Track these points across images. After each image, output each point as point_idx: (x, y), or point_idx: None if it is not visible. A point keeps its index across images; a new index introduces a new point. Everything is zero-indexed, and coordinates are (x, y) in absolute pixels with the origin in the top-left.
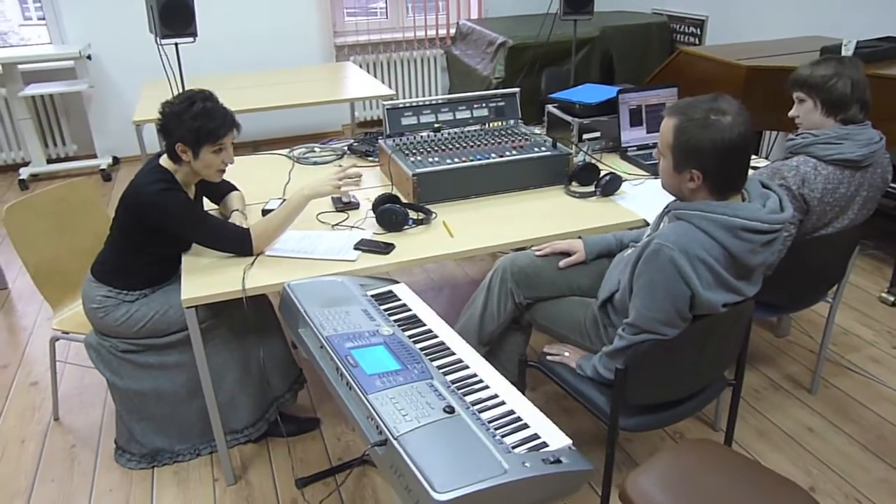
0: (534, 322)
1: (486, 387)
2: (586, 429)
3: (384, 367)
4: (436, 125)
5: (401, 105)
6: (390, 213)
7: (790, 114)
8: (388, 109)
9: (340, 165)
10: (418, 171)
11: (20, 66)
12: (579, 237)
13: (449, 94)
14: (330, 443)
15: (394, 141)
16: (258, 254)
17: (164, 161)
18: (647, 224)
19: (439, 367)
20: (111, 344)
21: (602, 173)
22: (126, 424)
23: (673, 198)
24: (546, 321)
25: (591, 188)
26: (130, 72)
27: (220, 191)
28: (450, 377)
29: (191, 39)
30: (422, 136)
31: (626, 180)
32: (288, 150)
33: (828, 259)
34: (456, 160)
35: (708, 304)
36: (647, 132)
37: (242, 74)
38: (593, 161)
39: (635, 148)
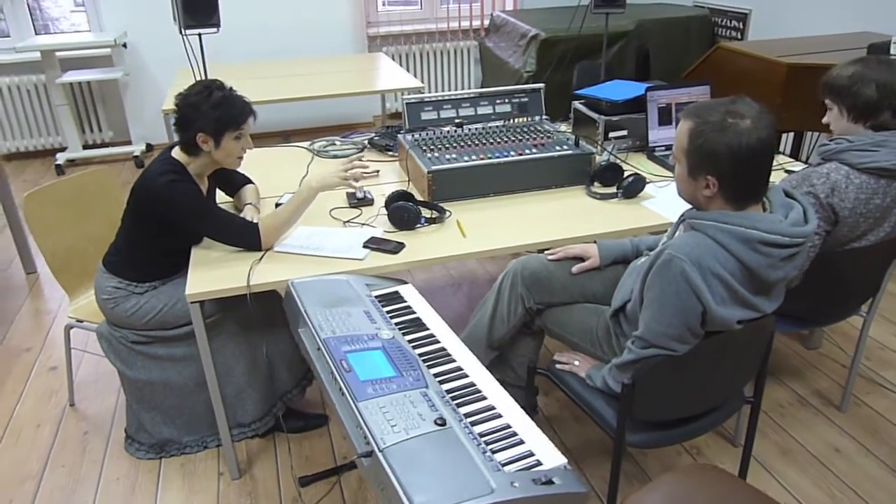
0: (545, 328)
1: (484, 398)
2: (598, 438)
3: (379, 373)
4: (456, 120)
5: (421, 99)
6: (402, 211)
7: (823, 120)
8: (408, 104)
9: (361, 158)
10: (434, 168)
11: (58, 53)
12: (594, 241)
13: (481, 86)
14: (337, 440)
15: (413, 136)
16: (267, 249)
17: (177, 153)
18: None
19: (437, 375)
20: (122, 334)
21: (625, 174)
22: (136, 414)
23: (690, 205)
24: (557, 328)
25: (614, 189)
26: (165, 60)
27: (235, 183)
28: (446, 386)
29: (214, 30)
30: (442, 132)
31: (650, 182)
32: (308, 142)
33: (861, 272)
34: (474, 158)
35: (721, 321)
36: None
37: (272, 63)
38: (617, 161)
39: (663, 148)
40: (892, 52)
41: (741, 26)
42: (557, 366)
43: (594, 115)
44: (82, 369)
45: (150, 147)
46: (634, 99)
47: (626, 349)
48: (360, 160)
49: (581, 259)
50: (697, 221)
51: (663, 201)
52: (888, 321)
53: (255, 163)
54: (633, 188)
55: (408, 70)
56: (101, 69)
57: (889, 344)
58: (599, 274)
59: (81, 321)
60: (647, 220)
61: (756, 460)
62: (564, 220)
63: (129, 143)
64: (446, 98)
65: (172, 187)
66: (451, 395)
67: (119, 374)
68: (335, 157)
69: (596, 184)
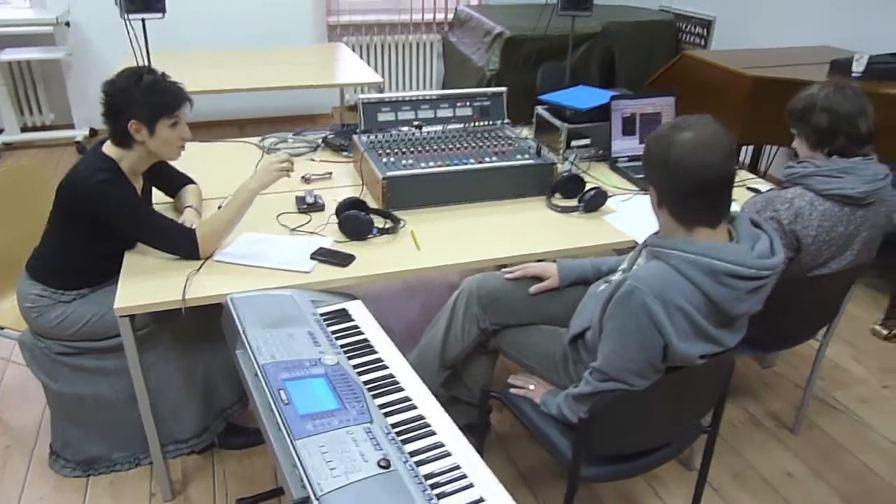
0: (500, 349)
1: (432, 433)
2: (553, 460)
3: (320, 405)
4: (415, 123)
5: (378, 99)
6: (353, 221)
7: (792, 145)
8: (364, 103)
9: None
10: (389, 174)
11: None
12: (554, 260)
13: (443, 82)
14: None
15: (368, 138)
16: (206, 258)
17: (108, 148)
18: (636, 245)
19: (383, 406)
20: (46, 345)
21: (587, 187)
22: (62, 429)
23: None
24: (513, 350)
25: (575, 202)
26: (111, 41)
27: (175, 183)
28: (393, 419)
29: (159, 15)
30: (399, 134)
31: (612, 195)
32: (259, 138)
33: (822, 299)
34: (431, 164)
35: (683, 357)
36: (640, 142)
37: (227, 52)
38: (579, 172)
39: (626, 159)
40: (854, 69)
41: (705, 33)
42: (512, 390)
43: (557, 123)
44: (7, 375)
45: (94, 132)
46: (598, 107)
47: (584, 380)
48: (288, 156)
49: (539, 279)
50: (660, 250)
51: (625, 216)
52: (843, 341)
53: (198, 160)
54: (594, 202)
55: (368, 62)
56: (41, 47)
57: (842, 363)
58: (558, 295)
59: (3, 328)
60: (608, 237)
61: (709, 485)
62: (524, 234)
63: (71, 126)
64: (405, 99)
65: (103, 187)
66: (397, 429)
67: (44, 386)
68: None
69: (557, 195)
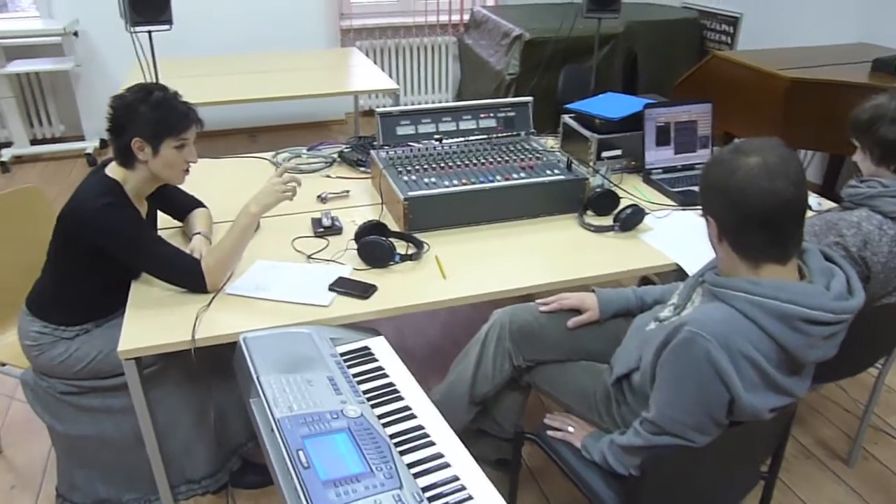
0: (534, 386)
1: (469, 497)
2: None
3: (343, 468)
4: (436, 136)
5: (397, 112)
6: (373, 247)
7: (852, 158)
8: (382, 116)
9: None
10: (411, 194)
11: (2, 41)
12: (592, 290)
13: (460, 86)
14: None
15: (387, 153)
16: (216, 290)
17: (112, 170)
18: (679, 269)
19: (413, 465)
20: (49, 384)
21: (622, 205)
22: (67, 471)
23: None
24: (549, 387)
25: (609, 220)
26: (120, 51)
27: (184, 206)
28: (423, 480)
29: (166, 27)
30: (419, 149)
31: (649, 212)
32: (272, 153)
33: (885, 329)
34: (455, 182)
35: (751, 410)
36: (676, 153)
37: (237, 58)
38: (612, 187)
39: (660, 170)
40: None
41: (731, 31)
42: (548, 431)
43: (586, 133)
44: (12, 410)
45: (104, 143)
46: (630, 116)
47: (634, 430)
48: (288, 171)
49: (577, 311)
50: (722, 290)
51: (663, 235)
52: None
53: (207, 178)
54: (631, 221)
55: (382, 66)
56: (50, 59)
57: None
58: (598, 329)
59: (4, 364)
60: (648, 259)
61: None
62: (557, 257)
63: (81, 138)
64: (425, 110)
65: (105, 214)
66: (429, 493)
67: (48, 427)
68: (300, 171)
69: (589, 212)
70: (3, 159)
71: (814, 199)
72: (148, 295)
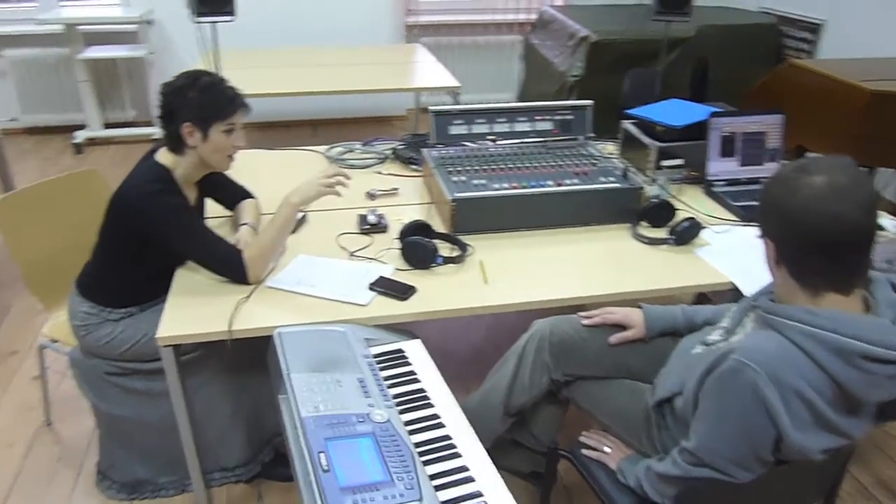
0: (573, 402)
1: None
2: None
3: (364, 475)
4: (489, 137)
5: (450, 111)
6: (416, 248)
7: None
8: (435, 115)
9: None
10: (459, 195)
11: (81, 28)
12: (639, 306)
13: (522, 87)
14: None
15: (439, 152)
16: (257, 282)
17: (162, 156)
18: (735, 288)
19: (435, 476)
20: (94, 364)
21: (678, 217)
22: (109, 450)
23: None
24: (588, 404)
25: (664, 232)
26: (191, 40)
27: (233, 196)
28: (445, 493)
29: (229, 18)
30: (472, 150)
31: (706, 227)
32: (326, 147)
33: None
34: (506, 185)
35: (800, 450)
36: (741, 165)
37: (301, 50)
38: (669, 198)
39: (724, 183)
40: None
41: (813, 38)
42: (584, 451)
43: (646, 140)
44: (64, 385)
45: None
46: (694, 124)
47: (672, 459)
48: (341, 171)
49: (621, 327)
50: (776, 318)
51: (721, 251)
52: None
53: (259, 169)
54: (687, 234)
55: (446, 64)
56: (125, 46)
57: None
58: (642, 347)
59: (56, 341)
60: (702, 276)
61: None
62: (605, 269)
63: (150, 123)
64: (479, 110)
65: (153, 199)
66: None
67: (92, 405)
68: (352, 166)
69: (643, 223)
70: (77, 141)
71: (889, 222)
72: (191, 283)
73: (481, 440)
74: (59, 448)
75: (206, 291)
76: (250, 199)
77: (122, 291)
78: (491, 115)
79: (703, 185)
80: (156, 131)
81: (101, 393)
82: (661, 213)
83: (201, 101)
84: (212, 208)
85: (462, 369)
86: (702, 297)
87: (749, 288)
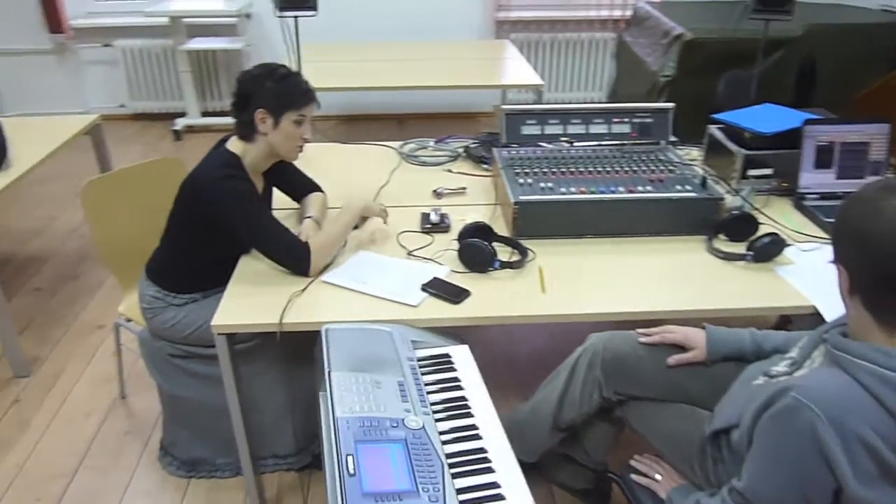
0: (626, 423)
1: None
2: None
3: (389, 482)
4: (563, 139)
5: (523, 110)
6: (473, 250)
7: None
8: (507, 114)
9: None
10: (522, 198)
11: (185, 20)
12: (703, 326)
13: (613, 86)
14: None
15: (509, 152)
16: (316, 275)
17: (232, 144)
18: (817, 313)
19: (463, 491)
20: (160, 346)
21: (761, 231)
22: (171, 427)
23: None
24: (641, 427)
25: (743, 247)
26: (285, 34)
27: (301, 188)
28: None
29: (311, 13)
30: (543, 151)
31: (791, 244)
32: (399, 143)
33: None
34: (573, 189)
35: None
36: (838, 177)
37: (389, 44)
38: (751, 210)
39: (816, 196)
40: None
41: None
42: (633, 476)
43: (732, 147)
44: (140, 362)
45: None
46: (787, 132)
47: (721, 497)
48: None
49: (681, 348)
50: (844, 356)
51: (805, 271)
52: None
53: (328, 162)
54: (767, 251)
55: (535, 60)
56: (225, 38)
57: None
58: (703, 371)
59: (130, 320)
60: (781, 298)
61: None
62: (672, 283)
63: None
64: (553, 110)
65: (222, 185)
66: None
67: (157, 385)
68: (423, 163)
69: (721, 236)
70: (177, 128)
71: None
72: (251, 273)
73: (528, 452)
74: (130, 422)
75: (264, 282)
76: (318, 193)
77: (187, 277)
78: (565, 115)
79: (793, 197)
80: None
81: (165, 373)
82: (741, 226)
83: (277, 89)
84: (279, 200)
85: (523, 375)
86: (784, 321)
87: (833, 314)
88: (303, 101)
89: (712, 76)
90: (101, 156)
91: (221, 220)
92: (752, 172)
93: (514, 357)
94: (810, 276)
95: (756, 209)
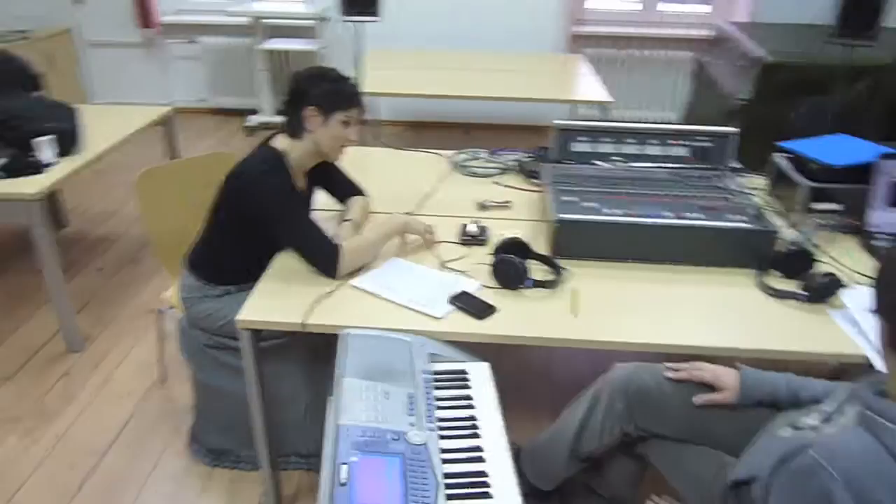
0: (647, 460)
1: None
2: None
3: (379, 497)
4: (614, 158)
5: (575, 126)
6: (505, 266)
7: None
8: (559, 129)
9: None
10: (563, 216)
11: (266, 21)
12: (736, 366)
13: (688, 108)
14: None
15: (557, 168)
16: (342, 279)
17: (277, 141)
18: (867, 362)
19: None
20: (196, 335)
21: (816, 270)
22: (200, 415)
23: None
24: (662, 466)
25: (796, 285)
26: (363, 38)
27: (345, 190)
28: None
29: (375, 19)
30: (592, 169)
31: (849, 286)
32: (452, 152)
33: None
34: (617, 211)
35: None
36: None
37: (460, 53)
38: (810, 246)
39: (887, 237)
40: None
41: None
42: None
43: (797, 178)
44: None
45: None
46: (858, 165)
47: None
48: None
49: (710, 387)
50: (875, 418)
51: (861, 317)
52: None
53: (380, 167)
54: (822, 291)
55: (608, 77)
56: (302, 40)
57: None
58: (732, 414)
59: (172, 308)
60: (831, 344)
61: None
62: (715, 318)
63: None
64: (606, 128)
65: (262, 179)
66: None
67: (191, 372)
68: (474, 174)
69: (774, 272)
70: (250, 124)
71: None
72: (283, 271)
73: (545, 479)
74: (166, 406)
75: (294, 281)
76: (361, 197)
77: (224, 269)
78: (619, 134)
79: (860, 236)
80: None
81: (198, 362)
82: (796, 262)
83: (329, 89)
84: (322, 201)
85: (552, 396)
86: (841, 370)
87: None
88: (351, 103)
89: (790, 102)
90: (170, 146)
91: (259, 215)
92: (816, 206)
93: (544, 377)
94: (867, 321)
95: (816, 246)
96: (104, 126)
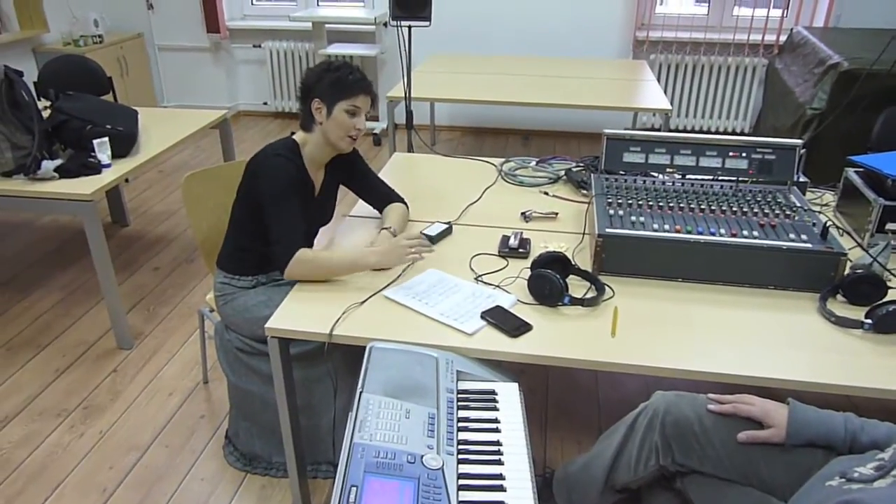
0: (686, 496)
1: None
2: None
3: None
4: (668, 170)
5: (626, 136)
6: (542, 282)
7: None
8: (609, 139)
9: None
10: (608, 230)
11: (328, 26)
12: (787, 401)
13: (758, 116)
14: None
15: (606, 180)
16: (289, 279)
17: (297, 135)
18: None
19: None
20: (230, 338)
21: (889, 296)
22: (236, 419)
23: None
24: None
25: (862, 314)
26: (418, 44)
27: (381, 197)
28: None
29: (425, 24)
30: (643, 182)
31: None
32: (500, 160)
33: None
34: (666, 226)
35: None
36: None
37: (524, 59)
38: (881, 273)
39: None
40: None
41: None
42: None
43: (870, 195)
44: None
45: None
46: None
47: None
48: (424, 242)
49: (757, 423)
50: None
51: None
52: None
53: (426, 174)
54: (890, 322)
55: (674, 85)
56: (362, 45)
57: None
58: (782, 454)
59: (213, 310)
60: (894, 380)
61: None
62: (766, 345)
63: (375, 118)
64: (659, 139)
65: (271, 160)
66: None
67: (226, 375)
68: (521, 183)
69: (839, 297)
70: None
71: None
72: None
73: None
74: (206, 406)
75: (326, 289)
76: (399, 204)
77: (248, 257)
78: (673, 145)
79: None
80: (377, 126)
81: (232, 366)
82: (864, 288)
83: (330, 79)
84: (363, 209)
85: (605, 419)
86: None
87: None
88: (352, 92)
89: (868, 113)
90: (225, 149)
91: (258, 194)
92: (890, 226)
93: (592, 398)
94: None
95: (888, 270)
96: (164, 129)
